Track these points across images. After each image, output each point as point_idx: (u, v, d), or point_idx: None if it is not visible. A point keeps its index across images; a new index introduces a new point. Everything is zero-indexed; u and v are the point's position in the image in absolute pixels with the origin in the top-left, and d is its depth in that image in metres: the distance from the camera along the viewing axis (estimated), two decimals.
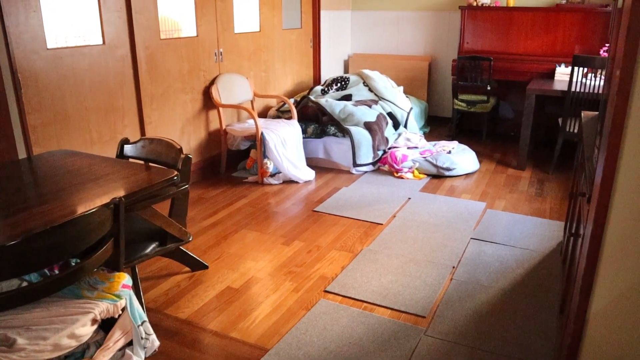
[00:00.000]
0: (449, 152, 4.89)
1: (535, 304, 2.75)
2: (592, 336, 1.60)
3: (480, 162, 5.07)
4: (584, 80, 4.44)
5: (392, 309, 2.70)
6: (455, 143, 5.13)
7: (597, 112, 2.97)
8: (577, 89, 4.41)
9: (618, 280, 1.51)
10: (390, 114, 5.31)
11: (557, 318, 2.60)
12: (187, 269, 3.09)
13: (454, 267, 3.12)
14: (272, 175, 4.56)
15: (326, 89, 5.62)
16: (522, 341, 2.45)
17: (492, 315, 2.65)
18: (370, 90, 5.63)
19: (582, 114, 3.08)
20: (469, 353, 2.37)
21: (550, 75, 5.40)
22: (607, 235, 1.50)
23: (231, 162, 4.92)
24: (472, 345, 2.42)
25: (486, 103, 5.63)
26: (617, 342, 1.56)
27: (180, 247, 2.89)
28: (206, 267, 3.11)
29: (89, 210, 1.96)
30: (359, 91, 5.56)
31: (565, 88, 4.57)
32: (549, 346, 2.41)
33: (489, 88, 5.56)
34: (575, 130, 4.53)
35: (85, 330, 2.06)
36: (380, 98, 5.51)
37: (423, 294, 2.84)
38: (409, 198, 4.20)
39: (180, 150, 2.64)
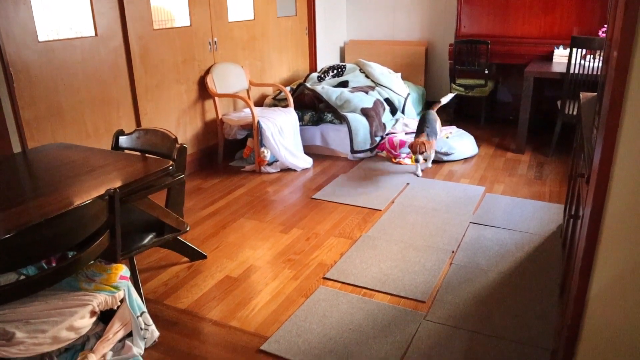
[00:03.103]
0: (447, 137, 4.87)
1: (535, 287, 2.74)
2: (592, 317, 1.59)
3: (478, 146, 5.05)
4: (582, 62, 4.40)
5: (391, 294, 2.70)
6: (453, 128, 5.10)
7: (595, 93, 2.95)
8: (576, 71, 4.37)
9: (618, 260, 1.50)
10: (387, 100, 5.28)
11: (557, 301, 2.60)
12: (186, 259, 3.08)
13: (453, 252, 3.11)
14: (270, 164, 4.54)
15: (322, 76, 5.58)
16: (522, 324, 2.45)
17: (492, 299, 2.64)
18: (367, 76, 5.59)
19: (581, 95, 3.05)
20: (469, 337, 2.36)
21: (549, 57, 5.36)
22: (606, 215, 1.49)
23: (228, 152, 4.89)
24: (473, 329, 2.41)
25: (484, 87, 5.60)
26: (618, 323, 1.55)
27: (179, 238, 2.88)
28: (205, 257, 3.10)
29: (84, 202, 1.94)
30: (355, 77, 5.52)
31: (563, 70, 4.54)
32: (549, 328, 2.41)
33: (486, 72, 5.53)
34: (574, 113, 4.50)
35: (84, 322, 2.06)
36: (377, 84, 5.48)
37: (423, 279, 2.83)
38: (408, 183, 4.18)
39: (176, 140, 2.62)
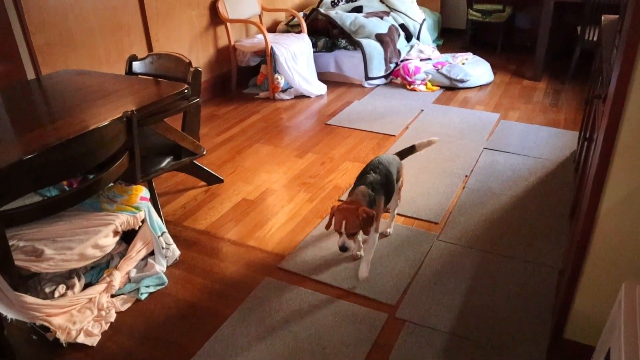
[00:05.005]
0: (463, 63, 4.78)
1: (546, 210, 2.78)
2: (602, 232, 1.62)
3: (494, 73, 4.95)
4: None
5: (405, 216, 2.76)
6: (469, 54, 5.00)
7: (617, 16, 2.86)
8: None
9: (629, 178, 1.51)
10: (402, 26, 5.15)
11: (567, 223, 2.64)
12: (203, 183, 3.15)
13: (466, 176, 3.14)
14: (284, 91, 4.52)
15: (336, 1, 5.43)
16: (532, 245, 2.50)
17: (503, 221, 2.69)
18: (382, 1, 5.43)
19: (603, 18, 2.96)
20: (480, 256, 2.43)
21: None
22: (621, 132, 1.49)
23: (242, 79, 4.86)
24: (483, 249, 2.48)
25: (502, 12, 5.42)
26: (625, 240, 1.58)
27: (195, 162, 2.93)
28: (221, 181, 3.16)
29: (102, 123, 1.97)
30: (370, 2, 5.36)
31: None
32: (558, 249, 2.47)
33: None
34: (594, 39, 4.37)
35: (108, 241, 2.14)
36: (392, 9, 5.33)
37: (436, 201, 2.87)
38: (422, 110, 4.16)
39: (190, 64, 2.61)
